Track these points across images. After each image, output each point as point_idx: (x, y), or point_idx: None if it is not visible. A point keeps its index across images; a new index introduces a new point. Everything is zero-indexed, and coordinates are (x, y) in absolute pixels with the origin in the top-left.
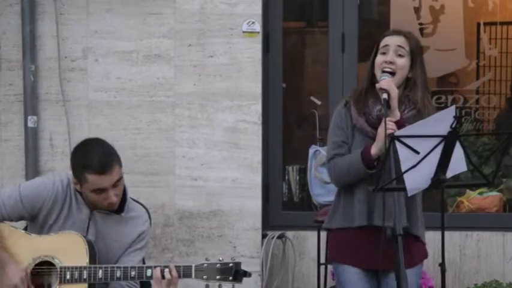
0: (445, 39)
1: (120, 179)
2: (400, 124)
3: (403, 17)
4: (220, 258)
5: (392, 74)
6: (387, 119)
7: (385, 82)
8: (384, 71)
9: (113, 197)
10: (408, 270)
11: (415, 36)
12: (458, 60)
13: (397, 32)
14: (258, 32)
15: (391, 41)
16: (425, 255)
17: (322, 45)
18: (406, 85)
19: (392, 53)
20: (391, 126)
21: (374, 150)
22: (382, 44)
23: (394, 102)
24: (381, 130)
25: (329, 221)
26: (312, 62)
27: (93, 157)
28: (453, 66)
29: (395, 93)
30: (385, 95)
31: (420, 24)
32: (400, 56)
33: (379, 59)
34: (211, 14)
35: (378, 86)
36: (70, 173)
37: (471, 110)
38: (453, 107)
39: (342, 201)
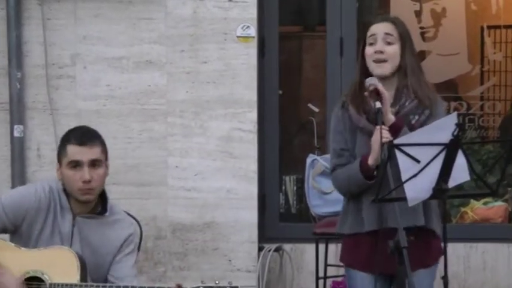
0: (447, 43)
1: (100, 162)
2: (396, 126)
3: (403, 20)
4: (217, 282)
5: (384, 61)
6: (380, 127)
7: (374, 85)
8: (374, 61)
9: (87, 175)
10: (424, 271)
11: (401, 20)
12: (461, 65)
13: (383, 19)
14: (253, 37)
15: (378, 29)
16: (441, 252)
17: (320, 50)
18: (399, 73)
19: (380, 42)
20: (384, 134)
21: (371, 161)
22: (368, 33)
23: (386, 106)
24: (374, 139)
25: (340, 225)
26: (310, 68)
27: (76, 130)
28: (456, 72)
29: (386, 95)
30: (378, 104)
31: (421, 28)
32: (389, 43)
33: (368, 50)
34: (204, 19)
35: (366, 94)
36: (54, 178)
37: (475, 116)
38: (455, 114)
39: (351, 206)
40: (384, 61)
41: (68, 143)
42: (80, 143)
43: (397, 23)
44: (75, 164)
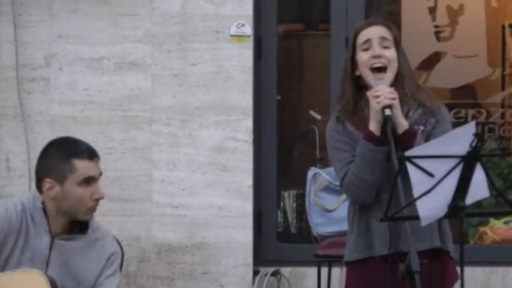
0: (465, 44)
1: (101, 175)
2: (410, 133)
3: (416, 18)
4: None
5: (384, 69)
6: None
7: (385, 91)
8: (373, 68)
9: (101, 192)
10: None
11: (392, 24)
12: (480, 68)
13: (375, 22)
14: (249, 36)
15: (372, 33)
16: (457, 276)
17: (324, 51)
18: (396, 81)
19: (378, 46)
20: (385, 93)
21: (372, 124)
22: (360, 39)
23: (398, 111)
24: (374, 104)
25: (346, 253)
26: (312, 71)
27: (80, 145)
28: (474, 75)
29: (397, 101)
30: (388, 111)
31: (436, 26)
32: (386, 47)
33: (363, 56)
34: (194, 15)
35: (369, 94)
36: (26, 195)
37: (495, 126)
38: (473, 123)
39: (357, 227)
40: (384, 68)
41: (76, 158)
42: (90, 157)
43: (390, 26)
44: (89, 180)
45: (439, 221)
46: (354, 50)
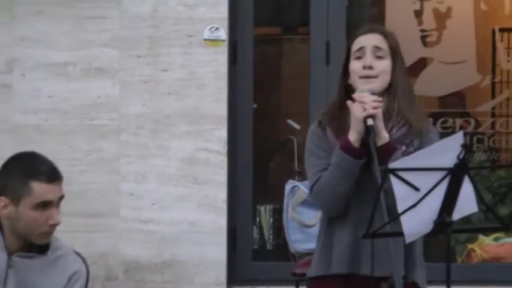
0: (453, 49)
1: (62, 198)
2: (389, 148)
3: (401, 22)
4: None
5: (374, 77)
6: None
7: (369, 99)
8: (361, 77)
9: (57, 217)
10: None
11: (392, 32)
12: (469, 75)
13: (372, 30)
14: (223, 40)
15: (366, 41)
16: None
17: (303, 57)
18: (389, 93)
19: (370, 56)
20: (368, 102)
21: (352, 135)
22: (355, 46)
23: (380, 123)
24: (356, 109)
25: (310, 268)
26: (290, 77)
27: (41, 164)
28: (462, 83)
29: (380, 111)
30: (370, 121)
31: (422, 30)
32: (379, 57)
33: (355, 64)
34: (165, 18)
35: (349, 104)
36: None
37: (484, 136)
38: (461, 133)
39: (322, 241)
40: (374, 77)
41: (34, 180)
42: (50, 179)
43: (387, 35)
44: (45, 206)
45: (408, 247)
46: (348, 56)
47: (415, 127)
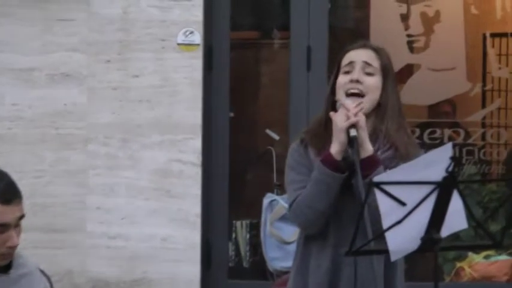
0: (441, 55)
1: (22, 218)
2: (374, 160)
3: (386, 27)
4: None
5: (360, 96)
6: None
7: (351, 106)
8: (348, 94)
9: (16, 240)
10: None
11: (385, 50)
12: (458, 83)
13: (364, 45)
14: (198, 45)
15: (357, 57)
16: None
17: (282, 62)
18: (377, 113)
19: (359, 71)
20: (351, 110)
21: (334, 147)
22: (345, 60)
23: (364, 133)
24: (338, 119)
25: None
26: (269, 84)
27: None
28: (451, 91)
29: (363, 121)
30: (354, 132)
31: (409, 35)
32: (368, 74)
33: (342, 79)
34: (136, 21)
35: (332, 114)
36: None
37: (475, 148)
38: (450, 145)
39: (298, 263)
40: (360, 95)
41: None
42: (6, 201)
43: (380, 52)
44: (1, 229)
45: (389, 268)
46: (337, 71)
47: (401, 151)
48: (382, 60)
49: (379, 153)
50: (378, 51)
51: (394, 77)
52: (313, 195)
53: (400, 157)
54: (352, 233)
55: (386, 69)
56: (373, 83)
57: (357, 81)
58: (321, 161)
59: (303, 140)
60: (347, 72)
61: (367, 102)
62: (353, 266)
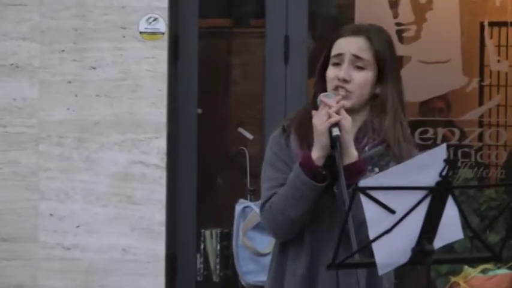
0: (434, 46)
1: None
2: (358, 167)
3: (373, 14)
4: None
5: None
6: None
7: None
8: (334, 89)
9: None
10: None
11: (383, 33)
12: (453, 77)
13: (356, 32)
14: (163, 34)
15: (346, 47)
16: None
17: (257, 54)
18: (373, 106)
19: (347, 66)
20: (332, 108)
21: (315, 152)
22: (334, 50)
23: (348, 136)
24: (318, 120)
25: None
26: (242, 78)
27: None
28: (445, 86)
29: (348, 122)
30: (335, 131)
31: (398, 24)
32: (358, 68)
33: (330, 73)
34: (94, 7)
35: (314, 113)
36: None
37: (471, 149)
38: (444, 146)
39: (273, 271)
40: (348, 92)
41: None
42: None
43: (373, 38)
44: None
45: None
46: (326, 58)
47: (393, 149)
48: (377, 49)
49: (366, 148)
50: (371, 37)
51: (394, 64)
52: (288, 201)
53: (392, 155)
54: (330, 239)
55: (381, 59)
56: (362, 79)
57: (344, 80)
58: (299, 164)
59: (285, 128)
60: (336, 64)
61: (355, 98)
62: (337, 273)
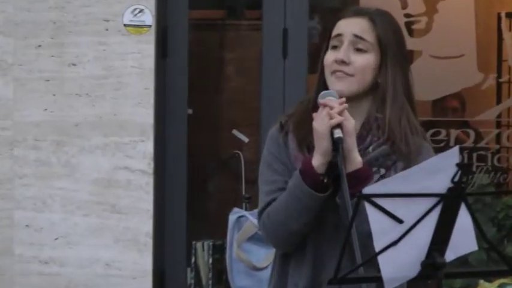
0: (446, 40)
1: None
2: (362, 175)
3: (379, 5)
4: None
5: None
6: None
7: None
8: (332, 72)
9: None
10: None
11: (389, 16)
12: (467, 73)
13: (358, 12)
14: (150, 26)
15: (346, 28)
16: None
17: (253, 48)
18: (374, 96)
19: (347, 47)
20: (335, 109)
21: (316, 159)
22: (334, 32)
23: (351, 140)
24: (318, 123)
25: None
26: (236, 74)
27: None
28: (459, 83)
29: (351, 124)
30: (338, 133)
31: (407, 15)
32: (359, 50)
33: (329, 57)
34: None
35: (314, 116)
36: None
37: (487, 152)
38: (456, 149)
39: (274, 283)
40: (348, 75)
41: None
42: None
43: (376, 20)
44: None
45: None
46: (327, 44)
47: (401, 147)
48: (380, 32)
49: (370, 149)
50: (374, 19)
51: (400, 51)
52: (288, 212)
53: (400, 153)
54: (334, 249)
55: (385, 42)
56: (364, 62)
57: (342, 61)
58: (300, 171)
59: (283, 125)
60: (335, 47)
61: (353, 85)
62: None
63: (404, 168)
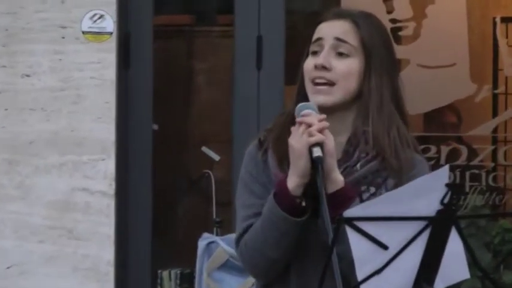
0: (436, 48)
1: None
2: (344, 196)
3: (363, 9)
4: None
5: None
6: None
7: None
8: (312, 81)
9: None
10: None
11: (373, 18)
12: (460, 84)
13: (339, 15)
14: (111, 34)
15: (327, 31)
16: None
17: (224, 57)
18: (359, 106)
19: (327, 52)
20: (313, 125)
21: (292, 180)
22: (314, 36)
23: (331, 160)
24: (294, 139)
25: None
26: (206, 86)
27: None
28: (450, 95)
29: (332, 143)
30: (317, 151)
31: (393, 21)
32: (341, 55)
33: (308, 63)
34: (26, 2)
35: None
36: None
37: (481, 171)
38: (446, 168)
39: None
40: (329, 84)
41: None
42: None
43: (360, 22)
44: None
45: None
46: (308, 50)
47: (391, 162)
48: (364, 34)
49: (358, 166)
50: (358, 21)
51: (387, 56)
52: (265, 239)
53: (390, 169)
54: (319, 277)
55: (369, 46)
56: (346, 68)
57: (323, 67)
58: (274, 194)
59: (262, 142)
60: (315, 53)
61: (337, 93)
62: None
63: (396, 185)
